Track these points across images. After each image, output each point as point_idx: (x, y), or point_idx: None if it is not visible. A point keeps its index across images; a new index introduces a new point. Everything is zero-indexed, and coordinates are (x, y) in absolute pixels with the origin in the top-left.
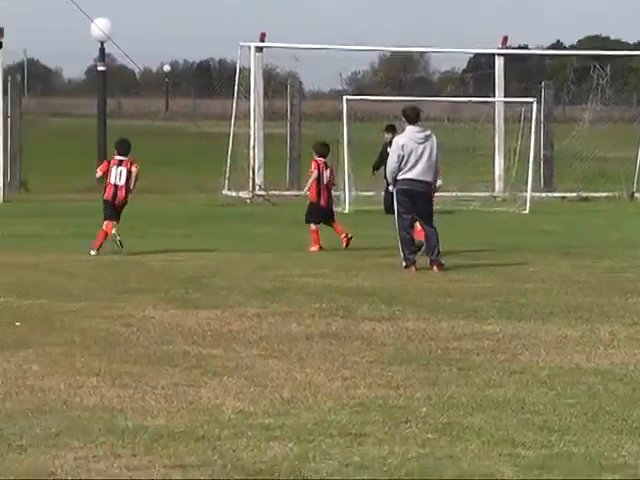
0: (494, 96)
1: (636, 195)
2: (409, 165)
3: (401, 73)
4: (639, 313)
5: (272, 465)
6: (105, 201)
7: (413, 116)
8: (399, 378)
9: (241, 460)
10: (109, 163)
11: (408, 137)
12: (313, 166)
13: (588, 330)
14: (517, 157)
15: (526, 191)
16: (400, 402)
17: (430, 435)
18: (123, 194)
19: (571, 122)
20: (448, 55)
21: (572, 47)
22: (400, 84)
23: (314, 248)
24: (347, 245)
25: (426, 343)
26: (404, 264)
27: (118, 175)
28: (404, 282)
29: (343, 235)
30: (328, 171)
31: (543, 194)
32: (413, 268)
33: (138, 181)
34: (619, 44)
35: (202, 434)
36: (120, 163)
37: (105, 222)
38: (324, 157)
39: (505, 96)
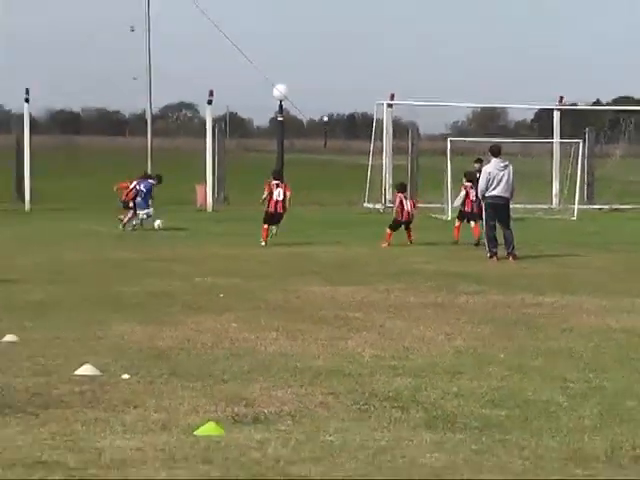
0: (553, 138)
1: None
2: (493, 185)
3: (488, 122)
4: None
5: (397, 393)
6: (267, 211)
7: (496, 151)
8: (485, 334)
9: (375, 390)
10: (270, 185)
11: (493, 166)
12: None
13: (617, 302)
14: (568, 181)
15: (574, 204)
16: (485, 350)
17: (506, 373)
18: (280, 207)
19: (606, 157)
20: (521, 110)
21: (608, 104)
22: (487, 129)
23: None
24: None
25: (504, 310)
26: (488, 255)
27: (278, 194)
28: (489, 268)
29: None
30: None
31: (586, 206)
32: (495, 258)
33: (292, 199)
34: None
35: (348, 372)
36: (278, 185)
37: (264, 225)
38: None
39: (560, 138)
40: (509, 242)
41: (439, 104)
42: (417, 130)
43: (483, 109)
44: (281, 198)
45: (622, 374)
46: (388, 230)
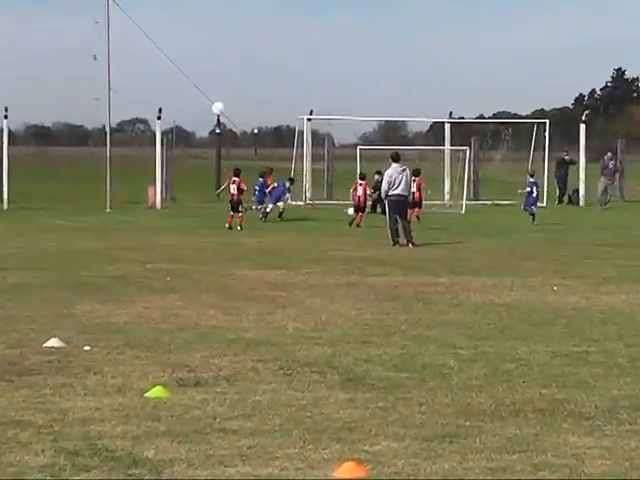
0: (444, 146)
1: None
2: (395, 186)
3: (390, 133)
4: (527, 270)
5: (315, 359)
6: (230, 201)
7: (396, 157)
8: (389, 308)
9: (297, 357)
10: (229, 180)
11: (393, 170)
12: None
13: (498, 280)
14: (458, 181)
15: (463, 200)
16: (390, 322)
17: (407, 342)
18: (235, 198)
19: (489, 161)
20: (418, 122)
21: (489, 117)
22: (390, 139)
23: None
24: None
25: (405, 288)
26: (392, 243)
27: (233, 189)
28: (392, 253)
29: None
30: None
31: (472, 202)
32: (397, 245)
33: (245, 191)
34: (516, 115)
35: (275, 342)
36: (234, 182)
37: (231, 213)
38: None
39: (451, 146)
40: (408, 232)
41: (350, 118)
42: (332, 140)
43: (387, 122)
44: (236, 192)
45: (503, 341)
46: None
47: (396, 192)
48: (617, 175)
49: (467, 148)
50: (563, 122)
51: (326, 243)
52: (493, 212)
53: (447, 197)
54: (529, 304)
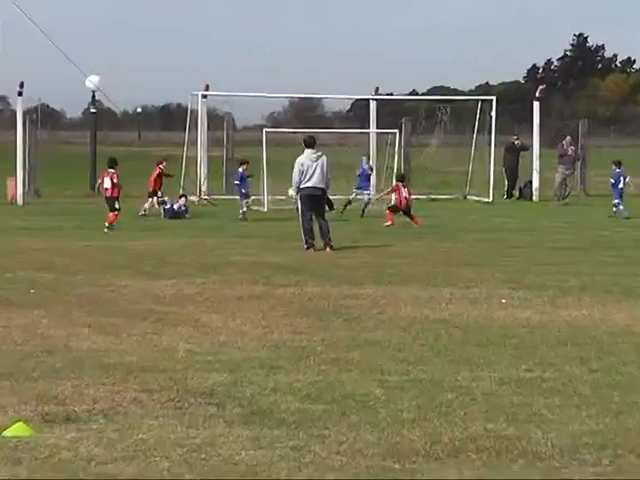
0: (369, 128)
1: (468, 197)
2: (308, 177)
3: (304, 112)
4: (469, 279)
5: (212, 389)
6: (106, 197)
7: (310, 143)
8: (302, 326)
9: (190, 386)
10: (104, 174)
11: (306, 157)
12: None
13: (435, 291)
14: (386, 171)
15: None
16: (303, 343)
17: (323, 367)
18: (109, 193)
19: (423, 146)
20: (338, 100)
21: (423, 93)
22: (304, 120)
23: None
24: None
25: (321, 301)
26: (305, 246)
27: (107, 182)
28: (306, 259)
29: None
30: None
31: None
32: (312, 249)
33: (121, 185)
34: (456, 91)
35: (163, 368)
36: (108, 174)
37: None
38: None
39: (377, 128)
40: (325, 232)
41: (255, 95)
42: (233, 121)
43: (300, 100)
44: (109, 185)
45: (440, 365)
46: (387, 211)
47: (309, 185)
48: (578, 164)
49: (396, 131)
50: (513, 99)
51: (226, 246)
52: (428, 208)
53: (371, 191)
54: (471, 320)
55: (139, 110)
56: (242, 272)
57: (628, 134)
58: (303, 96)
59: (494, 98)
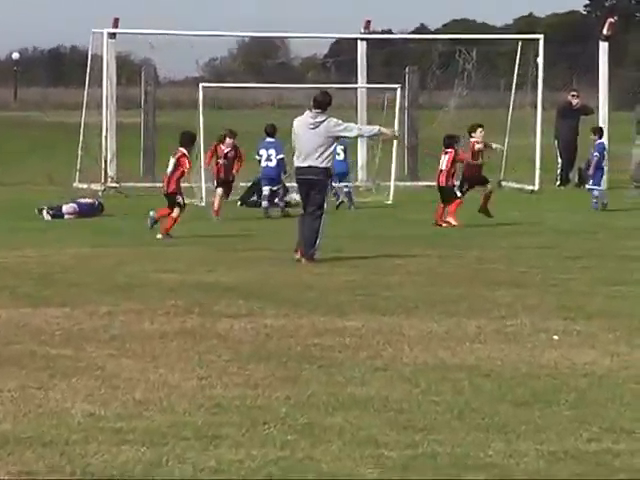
0: (357, 82)
1: (503, 184)
2: (299, 152)
3: (261, 59)
4: (506, 306)
5: (123, 471)
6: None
7: (320, 101)
8: (257, 377)
9: (91, 466)
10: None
11: (300, 121)
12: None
13: (454, 324)
14: (380, 145)
15: (390, 180)
16: (258, 402)
17: (289, 437)
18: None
19: (437, 109)
20: (309, 40)
21: (437, 31)
22: (260, 71)
23: None
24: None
25: (285, 340)
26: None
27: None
28: (265, 276)
29: None
30: None
31: (408, 183)
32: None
33: None
34: (486, 27)
35: (50, 439)
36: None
37: None
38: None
39: (368, 82)
40: (306, 234)
41: (187, 33)
42: (154, 72)
43: (253, 40)
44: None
45: (462, 434)
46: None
47: (301, 164)
48: None
49: (398, 86)
50: (569, 39)
51: (143, 259)
52: None
53: (362, 175)
54: (509, 367)
55: (15, 56)
56: (168, 297)
57: None
58: (258, 35)
59: (541, 37)
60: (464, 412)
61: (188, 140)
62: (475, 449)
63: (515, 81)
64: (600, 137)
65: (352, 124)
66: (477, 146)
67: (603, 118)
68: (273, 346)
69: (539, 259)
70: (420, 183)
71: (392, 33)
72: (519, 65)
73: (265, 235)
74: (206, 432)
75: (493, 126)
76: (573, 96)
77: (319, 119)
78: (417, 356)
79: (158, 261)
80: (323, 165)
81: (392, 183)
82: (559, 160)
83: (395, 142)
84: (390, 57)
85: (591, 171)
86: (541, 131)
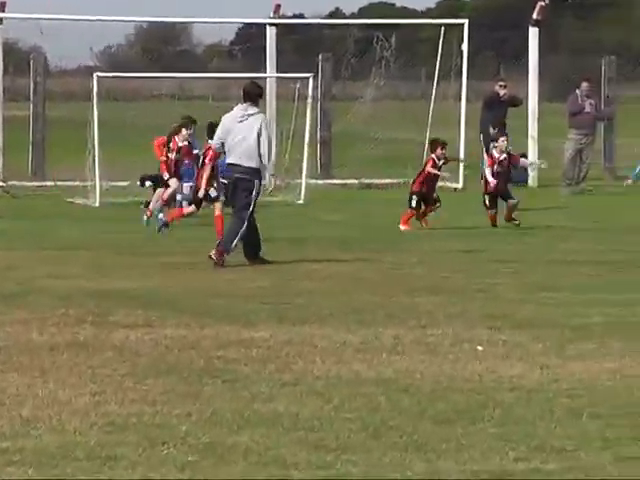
0: (265, 71)
1: None
2: (229, 149)
3: (161, 46)
4: (427, 314)
5: None
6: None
7: (249, 92)
8: (156, 393)
9: None
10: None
11: (230, 115)
12: None
13: (370, 334)
14: (291, 140)
15: (301, 178)
16: (157, 420)
17: (190, 457)
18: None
19: (352, 100)
20: (214, 26)
21: (353, 15)
22: (160, 59)
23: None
24: None
25: (186, 352)
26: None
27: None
28: (166, 282)
29: None
30: None
31: (320, 181)
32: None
33: None
34: (406, 11)
35: None
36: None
37: None
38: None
39: (278, 71)
40: (226, 232)
41: (78, 17)
42: (45, 61)
43: (152, 26)
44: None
45: (378, 454)
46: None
47: (230, 160)
48: (600, 127)
49: (310, 75)
50: (497, 24)
51: (30, 264)
52: (360, 201)
53: (268, 174)
54: (429, 380)
55: None
56: (59, 305)
57: None
58: (158, 20)
59: (466, 22)
60: (380, 430)
61: (210, 131)
62: (392, 470)
63: (438, 70)
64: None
65: (271, 142)
66: (428, 169)
67: (532, 110)
68: (173, 359)
69: (463, 263)
70: (334, 181)
71: (304, 18)
72: (442, 53)
73: (169, 237)
74: (99, 452)
75: (414, 118)
76: (501, 86)
77: (249, 112)
78: (330, 369)
79: (50, 266)
80: (250, 165)
81: (303, 181)
82: (485, 156)
83: (307, 136)
84: (302, 44)
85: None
86: (465, 124)
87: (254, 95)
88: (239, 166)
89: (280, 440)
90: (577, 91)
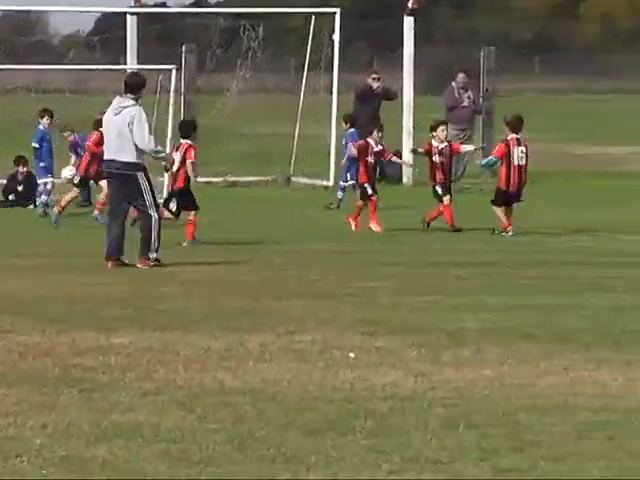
0: (126, 63)
1: (293, 179)
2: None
3: (14, 37)
4: (296, 319)
5: None
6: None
7: (130, 83)
8: (8, 403)
9: None
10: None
11: (109, 109)
12: None
13: (236, 341)
14: (151, 134)
15: (161, 176)
16: (10, 432)
17: (44, 471)
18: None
19: (217, 93)
20: (71, 15)
21: (218, 4)
22: (13, 50)
23: None
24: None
25: (41, 360)
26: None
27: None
28: (21, 286)
29: None
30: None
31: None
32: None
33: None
34: (274, 0)
35: None
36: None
37: None
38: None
39: (140, 62)
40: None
41: None
42: None
43: (5, 15)
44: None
45: (243, 467)
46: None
47: (106, 156)
48: (479, 120)
49: (173, 67)
50: (370, 13)
51: None
52: (226, 199)
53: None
54: (297, 389)
55: None
56: None
57: (561, 70)
58: (9, 8)
59: (337, 11)
60: (246, 442)
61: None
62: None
63: (307, 61)
64: (352, 126)
65: (151, 137)
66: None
67: (407, 103)
68: (27, 367)
69: (335, 265)
70: (200, 179)
71: (167, 6)
72: (312, 43)
73: (34, 237)
74: None
75: (283, 112)
76: (374, 79)
77: (124, 104)
78: (193, 378)
79: None
80: (126, 159)
81: (165, 177)
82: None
83: (170, 131)
84: (165, 34)
85: (344, 163)
86: (337, 118)
87: (134, 85)
88: (115, 161)
89: (140, 452)
90: (453, 83)
